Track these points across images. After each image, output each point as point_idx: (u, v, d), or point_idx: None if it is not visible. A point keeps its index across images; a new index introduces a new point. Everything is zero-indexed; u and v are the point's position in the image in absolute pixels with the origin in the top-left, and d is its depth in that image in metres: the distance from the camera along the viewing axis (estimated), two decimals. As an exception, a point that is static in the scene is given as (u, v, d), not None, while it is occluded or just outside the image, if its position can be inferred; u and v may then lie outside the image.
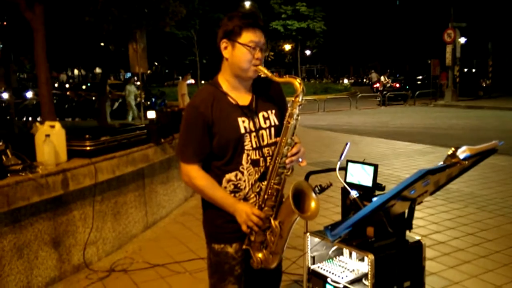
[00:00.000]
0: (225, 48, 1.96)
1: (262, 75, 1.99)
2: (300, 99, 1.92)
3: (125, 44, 10.65)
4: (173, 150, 5.28)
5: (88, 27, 9.19)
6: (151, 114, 5.36)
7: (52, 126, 3.68)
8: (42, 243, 3.50)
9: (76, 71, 50.85)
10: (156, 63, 49.48)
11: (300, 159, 1.99)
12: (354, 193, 2.33)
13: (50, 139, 3.54)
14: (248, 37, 1.91)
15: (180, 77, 20.45)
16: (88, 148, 3.96)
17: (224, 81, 2.02)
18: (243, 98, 2.02)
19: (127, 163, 4.37)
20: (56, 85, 28.50)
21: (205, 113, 1.93)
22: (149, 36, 10.62)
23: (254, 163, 1.99)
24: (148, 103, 17.86)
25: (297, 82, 1.92)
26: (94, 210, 4.00)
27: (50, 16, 7.18)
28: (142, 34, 9.71)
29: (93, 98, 17.12)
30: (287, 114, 1.94)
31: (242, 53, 1.92)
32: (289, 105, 1.96)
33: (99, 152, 4.03)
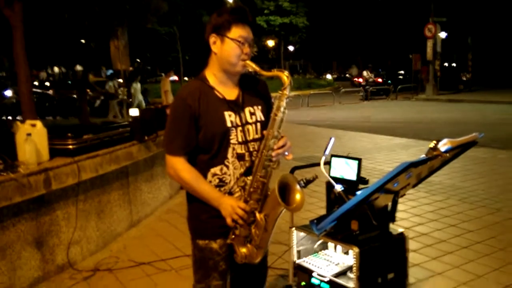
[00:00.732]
0: (214, 42, 1.96)
1: (250, 70, 1.99)
2: (287, 92, 1.94)
3: (107, 41, 10.53)
4: (157, 148, 5.25)
5: (69, 24, 9.05)
6: (134, 112, 5.32)
7: (33, 125, 3.63)
8: (25, 243, 3.45)
9: (56, 69, 50.06)
10: (138, 60, 49.01)
11: (286, 153, 2.00)
12: (338, 187, 2.35)
13: (32, 138, 3.49)
14: (237, 32, 1.92)
15: (163, 74, 20.30)
16: (70, 146, 3.91)
17: (212, 75, 2.02)
18: (230, 93, 2.02)
19: (110, 161, 4.33)
20: (36, 83, 28.02)
21: (192, 106, 1.93)
22: (130, 33, 10.53)
23: (240, 157, 1.99)
24: (131, 100, 17.68)
25: (284, 76, 1.94)
26: (77, 209, 3.96)
27: (29, 13, 7.05)
28: (124, 31, 9.63)
29: (74, 96, 16.89)
30: (274, 107, 1.95)
31: (231, 47, 1.93)
32: (276, 98, 1.97)
33: (82, 150, 3.98)
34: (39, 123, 3.66)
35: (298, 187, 1.90)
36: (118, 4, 8.65)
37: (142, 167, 5.17)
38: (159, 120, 5.28)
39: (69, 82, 22.46)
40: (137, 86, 15.75)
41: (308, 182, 1.98)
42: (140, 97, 15.48)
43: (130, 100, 17.72)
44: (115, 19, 8.88)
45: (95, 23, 8.73)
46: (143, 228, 4.92)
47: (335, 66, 53.91)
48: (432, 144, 1.81)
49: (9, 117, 15.31)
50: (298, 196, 1.89)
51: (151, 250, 4.25)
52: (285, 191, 1.89)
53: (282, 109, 1.93)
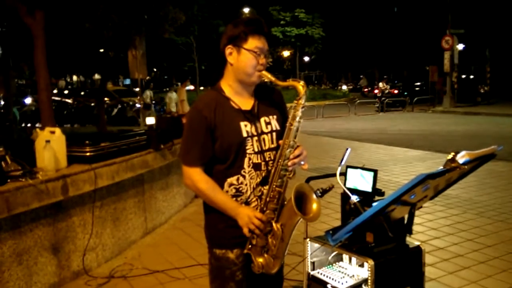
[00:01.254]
0: (230, 53, 1.98)
1: (266, 80, 2.01)
2: (303, 102, 1.94)
3: (125, 50, 10.69)
4: (172, 156, 5.28)
5: (88, 34, 9.21)
6: (151, 120, 5.37)
7: (53, 132, 3.69)
8: (41, 249, 3.49)
9: (75, 77, 50.88)
10: (155, 69, 49.55)
11: (302, 162, 2.00)
12: (354, 198, 2.34)
13: (51, 145, 3.55)
14: (253, 43, 1.94)
15: (179, 83, 20.44)
16: (88, 154, 3.96)
17: (227, 86, 2.04)
18: (246, 103, 2.03)
19: (126, 169, 4.37)
20: (55, 91, 28.50)
21: (208, 117, 1.95)
22: (148, 42, 10.66)
23: (256, 167, 2.00)
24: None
25: (300, 85, 1.95)
26: (93, 216, 4.00)
27: (50, 22, 7.20)
28: (142, 41, 9.75)
29: (92, 104, 17.16)
30: (290, 116, 1.96)
31: (247, 58, 1.95)
32: (292, 107, 1.98)
33: (99, 158, 4.04)
34: (58, 130, 3.72)
35: (314, 196, 1.89)
36: (137, 14, 8.79)
37: (157, 175, 5.21)
38: (175, 128, 5.33)
39: (87, 90, 22.78)
40: (172, 95, 15.50)
41: (324, 191, 1.97)
42: (173, 107, 15.06)
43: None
44: (133, 28, 9.01)
45: (114, 32, 8.86)
46: (158, 236, 4.94)
47: (349, 76, 53.61)
48: (450, 156, 1.79)
49: (29, 124, 15.60)
50: (314, 206, 1.88)
51: (165, 258, 4.27)
52: (301, 200, 1.89)
53: (297, 118, 1.94)
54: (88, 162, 3.90)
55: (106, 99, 18.19)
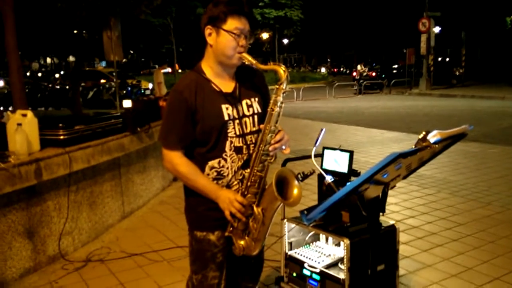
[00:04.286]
0: (210, 34, 1.93)
1: (246, 62, 1.96)
2: (284, 87, 1.92)
3: (99, 32, 10.43)
4: (149, 139, 5.23)
5: (61, 14, 8.96)
6: (127, 103, 5.29)
7: (24, 115, 3.60)
8: (16, 234, 3.44)
9: (48, 60, 49.63)
10: (131, 51, 48.70)
11: (284, 147, 1.99)
12: (329, 178, 2.36)
13: (22, 128, 3.47)
14: (233, 23, 1.89)
15: (157, 66, 20.13)
16: (61, 137, 3.89)
17: (208, 67, 2.00)
18: (227, 85, 2.00)
19: (102, 152, 4.31)
20: (28, 73, 27.82)
21: (189, 99, 1.91)
22: (124, 24, 10.42)
23: (237, 150, 1.98)
24: (124, 92, 17.61)
25: (281, 70, 1.91)
26: (69, 200, 3.95)
27: (21, 1, 6.97)
28: (117, 22, 9.50)
29: (67, 87, 16.80)
30: (271, 101, 1.93)
31: (226, 40, 1.89)
32: (273, 92, 1.96)
33: (73, 141, 3.96)
34: (30, 113, 3.63)
35: (296, 182, 1.89)
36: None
37: (134, 159, 5.16)
38: (151, 111, 5.26)
39: (62, 73, 22.28)
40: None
41: (305, 176, 1.98)
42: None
43: (124, 92, 17.66)
44: (107, 9, 8.80)
45: (87, 12, 8.65)
46: (136, 220, 4.91)
47: (323, 59, 53.46)
48: (421, 135, 1.82)
49: (1, 108, 15.20)
50: (295, 191, 1.89)
51: (143, 241, 4.25)
52: (282, 185, 1.89)
53: (279, 103, 1.92)
54: (62, 146, 3.82)
55: (103, 81, 17.94)
